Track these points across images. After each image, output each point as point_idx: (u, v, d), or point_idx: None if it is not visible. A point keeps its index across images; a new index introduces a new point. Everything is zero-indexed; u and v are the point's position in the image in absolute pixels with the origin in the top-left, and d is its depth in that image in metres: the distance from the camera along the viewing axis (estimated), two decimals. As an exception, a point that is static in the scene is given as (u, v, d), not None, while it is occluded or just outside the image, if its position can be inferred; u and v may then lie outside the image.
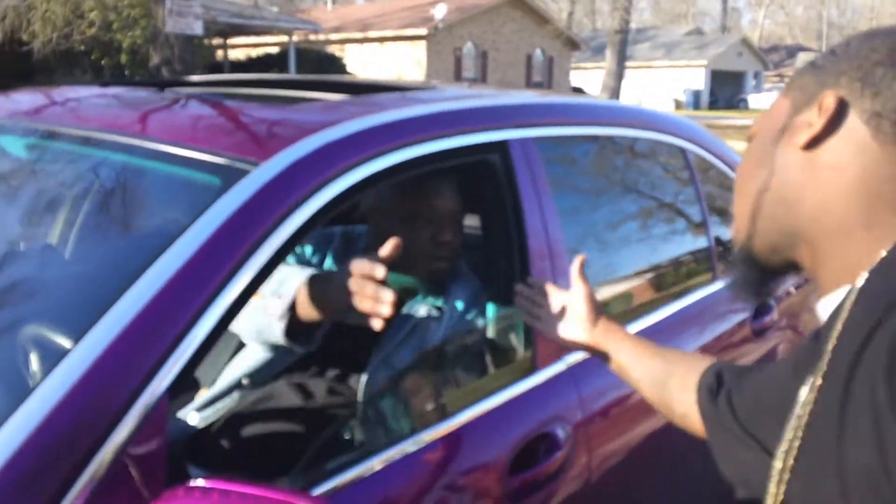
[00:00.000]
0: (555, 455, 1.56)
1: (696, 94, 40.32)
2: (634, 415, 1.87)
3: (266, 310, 1.45)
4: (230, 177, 1.28)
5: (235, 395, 1.72)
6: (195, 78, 2.24)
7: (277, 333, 1.46)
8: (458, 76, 27.62)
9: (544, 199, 1.74)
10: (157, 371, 1.08)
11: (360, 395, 1.65)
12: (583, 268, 1.39)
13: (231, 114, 1.55)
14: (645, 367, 1.26)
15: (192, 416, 1.70)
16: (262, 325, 1.47)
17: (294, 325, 1.46)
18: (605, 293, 1.98)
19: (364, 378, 1.66)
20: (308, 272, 1.49)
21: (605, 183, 2.12)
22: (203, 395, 1.75)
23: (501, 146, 1.69)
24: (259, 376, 1.73)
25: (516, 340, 1.68)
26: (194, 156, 1.32)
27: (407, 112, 1.56)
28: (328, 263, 1.82)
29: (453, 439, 1.43)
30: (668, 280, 2.24)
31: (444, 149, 1.56)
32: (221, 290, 1.16)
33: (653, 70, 42.35)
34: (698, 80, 41.31)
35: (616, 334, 1.34)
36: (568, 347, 1.45)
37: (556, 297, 1.41)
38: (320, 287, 1.44)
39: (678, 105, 39.86)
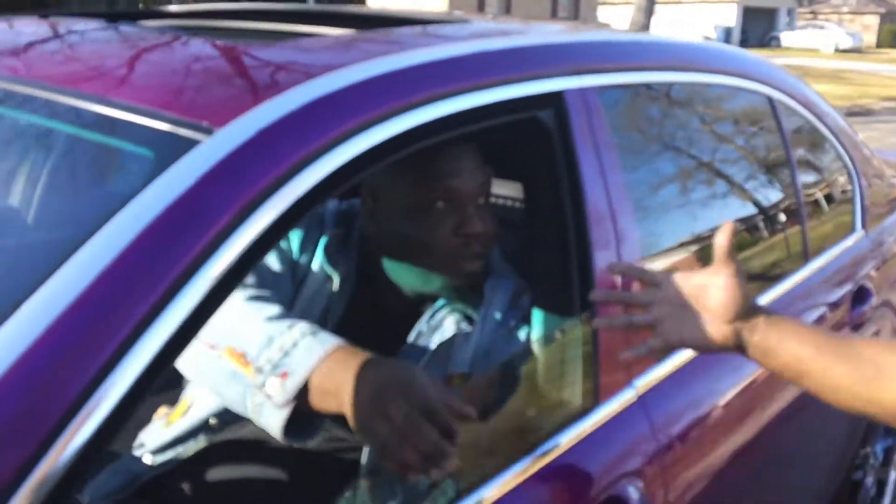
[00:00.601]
0: (627, 525, 1.16)
1: (727, 32, 38.85)
2: (718, 442, 1.47)
3: (261, 388, 1.03)
4: (169, 149, 0.86)
5: (201, 437, 1.32)
6: (173, 8, 1.79)
7: (273, 425, 1.03)
8: (480, 9, 26.72)
9: (610, 172, 1.30)
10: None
11: (367, 451, 1.20)
12: (731, 242, 1.03)
13: (181, 58, 1.11)
14: (842, 359, 0.98)
15: (147, 457, 1.31)
16: (247, 402, 1.05)
17: (297, 415, 1.04)
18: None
19: None
20: (333, 342, 1.04)
21: (685, 143, 1.67)
22: (159, 432, 1.35)
23: (556, 99, 1.26)
24: (231, 415, 1.32)
25: (572, 360, 1.26)
26: (117, 116, 0.90)
27: (431, 53, 1.12)
28: (318, 257, 1.37)
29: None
30: (754, 264, 1.81)
31: (480, 105, 1.13)
32: (149, 323, 0.75)
33: (683, 6, 40.86)
34: (729, 16, 39.79)
35: (786, 323, 1.03)
36: (706, 349, 1.05)
37: (681, 284, 1.04)
38: (351, 379, 0.99)
39: (708, 42, 38.48)
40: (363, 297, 1.36)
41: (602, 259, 1.26)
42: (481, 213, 1.27)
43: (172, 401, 1.38)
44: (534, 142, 1.28)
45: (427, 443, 0.90)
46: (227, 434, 1.30)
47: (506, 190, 1.68)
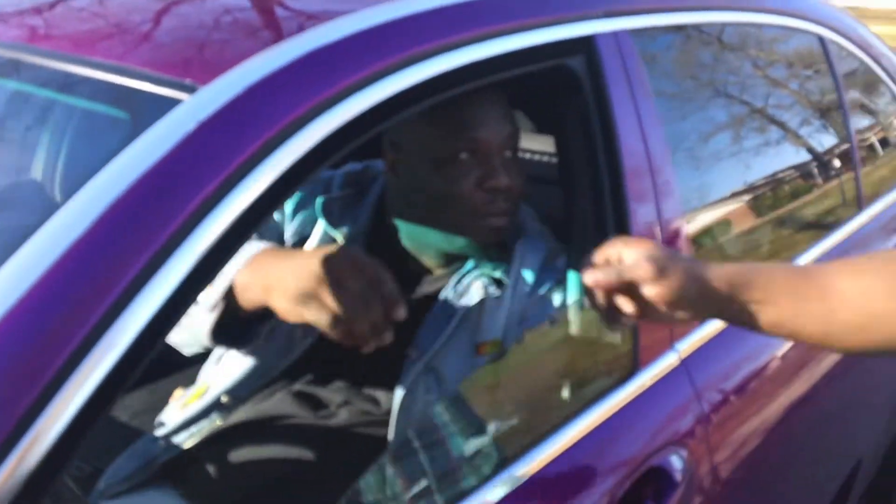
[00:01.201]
0: (669, 500, 1.09)
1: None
2: (764, 404, 1.38)
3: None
4: (147, 110, 0.79)
5: (215, 416, 1.26)
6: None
7: (203, 330, 1.03)
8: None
9: (648, 122, 1.21)
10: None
11: (393, 419, 1.15)
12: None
13: (162, 12, 1.02)
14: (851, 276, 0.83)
15: (163, 440, 1.26)
16: (187, 322, 1.00)
17: (228, 318, 1.03)
18: (721, 233, 1.45)
19: (399, 394, 1.16)
20: (259, 245, 1.04)
21: (729, 89, 1.55)
22: (176, 408, 1.30)
23: (586, 44, 1.16)
24: (242, 391, 1.27)
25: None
26: (87, 74, 0.83)
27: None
28: (320, 220, 1.28)
29: (529, 493, 0.97)
30: (806, 212, 1.69)
31: (504, 52, 1.04)
32: (131, 298, 0.69)
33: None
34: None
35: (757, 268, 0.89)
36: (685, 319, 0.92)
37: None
38: (280, 268, 0.97)
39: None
40: (380, 259, 1.29)
41: (641, 215, 1.17)
42: (508, 166, 1.18)
43: (188, 383, 1.34)
44: (565, 91, 1.19)
45: (378, 312, 0.91)
46: (240, 411, 1.25)
47: (538, 144, 1.59)
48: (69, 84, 0.84)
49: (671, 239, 1.21)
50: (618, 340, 1.15)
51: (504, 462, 1.01)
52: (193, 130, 0.74)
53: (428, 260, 1.27)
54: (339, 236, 1.27)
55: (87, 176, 0.71)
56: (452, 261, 1.25)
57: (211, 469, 1.21)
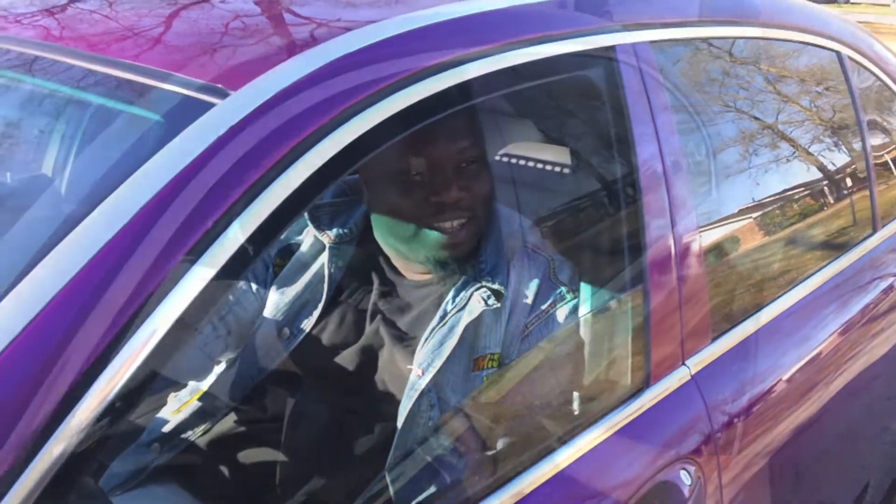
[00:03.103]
0: (678, 514, 1.09)
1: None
2: (778, 420, 1.38)
3: None
4: (181, 113, 0.79)
5: (209, 418, 1.28)
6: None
7: None
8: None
9: (665, 135, 1.21)
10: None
11: (397, 435, 1.15)
12: None
13: (186, 16, 1.04)
14: None
15: (156, 446, 1.28)
16: None
17: None
18: (734, 251, 1.45)
19: (404, 408, 1.16)
20: None
21: (746, 104, 1.55)
22: (171, 412, 1.31)
23: (606, 55, 1.16)
24: (236, 393, 1.28)
25: (622, 338, 1.17)
26: (122, 76, 0.84)
27: (473, 6, 1.03)
28: (356, 219, 1.30)
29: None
30: (819, 231, 1.69)
31: (527, 61, 1.04)
32: (164, 295, 0.70)
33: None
34: (791, -30, 38.32)
35: None
36: None
37: None
38: None
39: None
40: (366, 263, 1.30)
41: (655, 229, 1.17)
42: (463, 178, 1.17)
43: (181, 388, 1.35)
44: (581, 100, 1.19)
45: None
46: (232, 417, 1.26)
47: (552, 155, 1.59)
48: (102, 85, 0.85)
49: (684, 253, 1.21)
50: (629, 354, 1.15)
51: (510, 475, 1.00)
52: (225, 134, 0.75)
53: (411, 266, 1.28)
54: (326, 240, 1.28)
55: (123, 175, 0.72)
56: (433, 269, 1.25)
57: (208, 466, 1.24)
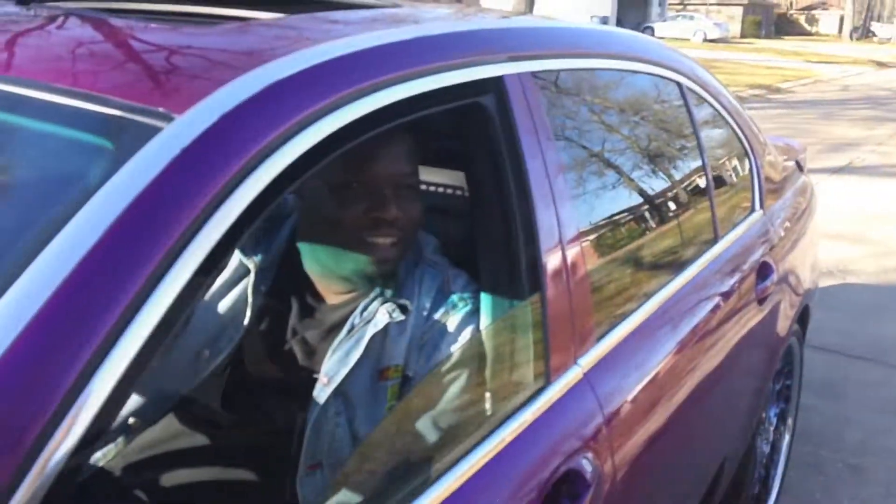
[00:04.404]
0: (583, 498, 1.19)
1: (604, 21, 39.95)
2: (654, 410, 1.52)
3: None
4: (130, 138, 0.82)
5: (120, 439, 1.28)
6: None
7: None
8: None
9: (549, 155, 1.33)
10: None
11: (305, 442, 1.20)
12: None
13: (130, 41, 1.06)
14: None
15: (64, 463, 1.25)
16: None
17: None
18: (610, 259, 1.59)
19: (310, 415, 1.21)
20: None
21: (605, 125, 1.72)
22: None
23: (496, 84, 1.27)
24: (150, 413, 1.29)
25: (522, 343, 1.27)
26: (71, 104, 0.85)
27: (383, 37, 1.11)
28: (278, 244, 1.34)
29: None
30: (670, 244, 1.88)
31: (428, 90, 1.12)
32: (122, 329, 0.72)
33: (560, -5, 41.65)
34: (605, 5, 40.87)
35: None
36: None
37: None
38: None
39: (586, 32, 39.29)
40: (287, 287, 1.34)
41: (546, 242, 1.28)
42: (400, 199, 1.26)
43: None
44: (474, 125, 1.29)
45: None
46: (149, 432, 1.26)
47: (446, 179, 1.68)
48: (54, 112, 0.85)
49: (572, 267, 1.32)
50: (530, 358, 1.25)
51: (422, 480, 1.06)
52: (178, 156, 0.78)
53: (332, 285, 1.33)
54: (252, 265, 1.31)
55: (80, 201, 0.74)
56: (355, 287, 1.31)
57: (120, 489, 1.22)
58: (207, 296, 1.32)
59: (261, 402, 1.27)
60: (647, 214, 1.76)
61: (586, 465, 1.22)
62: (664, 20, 43.30)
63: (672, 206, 1.90)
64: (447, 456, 1.11)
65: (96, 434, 0.70)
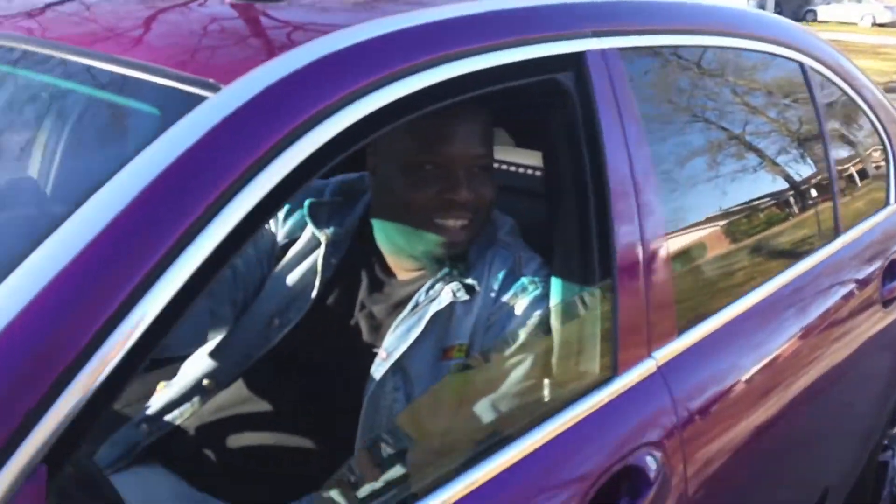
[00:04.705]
0: (644, 496, 1.13)
1: (761, 4, 38.11)
2: (740, 416, 1.43)
3: None
4: (175, 106, 0.84)
5: (196, 399, 1.33)
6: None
7: None
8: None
9: (634, 139, 1.26)
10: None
11: (361, 416, 1.21)
12: None
13: (191, 17, 1.08)
14: None
15: (144, 426, 1.33)
16: None
17: None
18: (700, 252, 1.50)
19: (368, 389, 1.22)
20: None
21: (714, 113, 1.62)
22: (159, 395, 1.36)
23: (576, 60, 1.21)
24: (222, 376, 1.33)
25: (589, 331, 1.22)
26: (122, 72, 0.88)
27: (445, 12, 1.09)
28: (308, 222, 1.35)
29: (500, 486, 1.01)
30: (783, 239, 1.75)
31: (497, 65, 1.09)
32: (151, 283, 0.74)
33: (717, -22, 39.97)
34: (764, -12, 38.99)
35: None
36: None
37: None
38: None
39: (742, 16, 37.59)
40: (359, 261, 1.35)
41: (623, 233, 1.22)
42: (473, 181, 1.24)
43: (171, 376, 1.39)
44: (553, 106, 1.24)
45: None
46: (220, 395, 1.30)
47: (526, 159, 1.64)
48: (109, 82, 0.90)
49: (650, 253, 1.26)
50: (596, 347, 1.20)
51: (478, 458, 1.04)
52: (218, 124, 0.79)
53: (403, 262, 1.33)
54: (324, 238, 1.32)
55: (121, 164, 0.77)
56: (424, 266, 1.30)
57: (194, 447, 1.29)
58: (279, 266, 1.35)
59: (324, 373, 1.29)
60: (747, 205, 1.65)
61: (651, 462, 1.16)
62: (828, 3, 40.78)
63: (780, 197, 1.77)
64: (502, 436, 1.09)
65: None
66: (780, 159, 1.79)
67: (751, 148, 1.70)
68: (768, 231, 1.71)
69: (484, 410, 1.18)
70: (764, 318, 1.53)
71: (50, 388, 0.68)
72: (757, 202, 1.68)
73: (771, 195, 1.74)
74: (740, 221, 1.62)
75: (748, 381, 1.45)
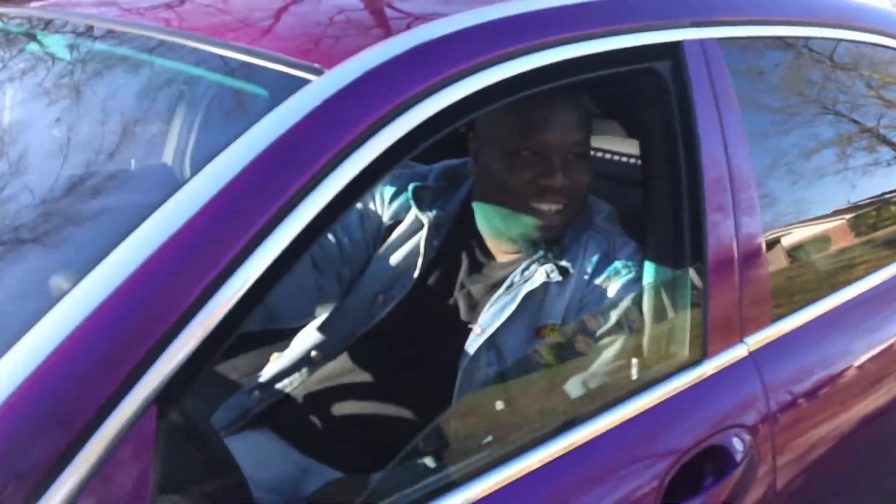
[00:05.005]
0: (728, 476, 1.15)
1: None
2: (837, 409, 1.41)
3: None
4: (282, 88, 0.92)
5: (304, 370, 1.43)
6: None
7: None
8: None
9: (729, 125, 1.27)
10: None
11: (457, 386, 1.28)
12: None
13: (303, 6, 1.18)
14: None
15: (255, 393, 1.44)
16: None
17: None
18: (797, 241, 1.48)
19: (462, 363, 1.28)
20: None
21: (811, 101, 1.59)
22: (271, 365, 1.46)
23: (673, 50, 1.23)
24: (329, 349, 1.42)
25: (680, 314, 1.24)
26: (233, 56, 0.98)
27: (541, 1, 1.13)
28: (412, 204, 1.42)
29: (585, 455, 1.05)
30: (878, 234, 1.70)
31: (591, 53, 1.13)
32: (252, 249, 0.82)
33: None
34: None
35: None
36: None
37: None
38: None
39: None
40: (460, 244, 1.41)
41: (718, 226, 1.22)
42: (568, 167, 1.29)
43: (283, 349, 1.50)
44: (650, 96, 1.26)
45: None
46: (327, 366, 1.39)
47: (624, 147, 1.67)
48: (223, 66, 1.00)
49: (747, 255, 1.26)
50: (686, 330, 1.22)
51: (562, 424, 1.08)
52: (318, 106, 0.87)
53: (502, 245, 1.39)
54: (426, 220, 1.40)
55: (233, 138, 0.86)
56: (521, 249, 1.36)
57: (301, 414, 1.38)
58: (384, 246, 1.43)
59: (423, 348, 1.36)
60: (848, 201, 1.61)
61: (737, 443, 1.17)
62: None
63: (885, 194, 1.72)
64: (592, 408, 1.13)
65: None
66: (884, 157, 1.73)
67: (850, 141, 1.66)
68: (868, 226, 1.67)
69: (574, 387, 1.22)
70: (871, 308, 1.50)
71: (168, 330, 0.76)
72: (856, 195, 1.64)
73: (868, 193, 1.68)
74: (841, 213, 1.59)
75: (851, 373, 1.42)
